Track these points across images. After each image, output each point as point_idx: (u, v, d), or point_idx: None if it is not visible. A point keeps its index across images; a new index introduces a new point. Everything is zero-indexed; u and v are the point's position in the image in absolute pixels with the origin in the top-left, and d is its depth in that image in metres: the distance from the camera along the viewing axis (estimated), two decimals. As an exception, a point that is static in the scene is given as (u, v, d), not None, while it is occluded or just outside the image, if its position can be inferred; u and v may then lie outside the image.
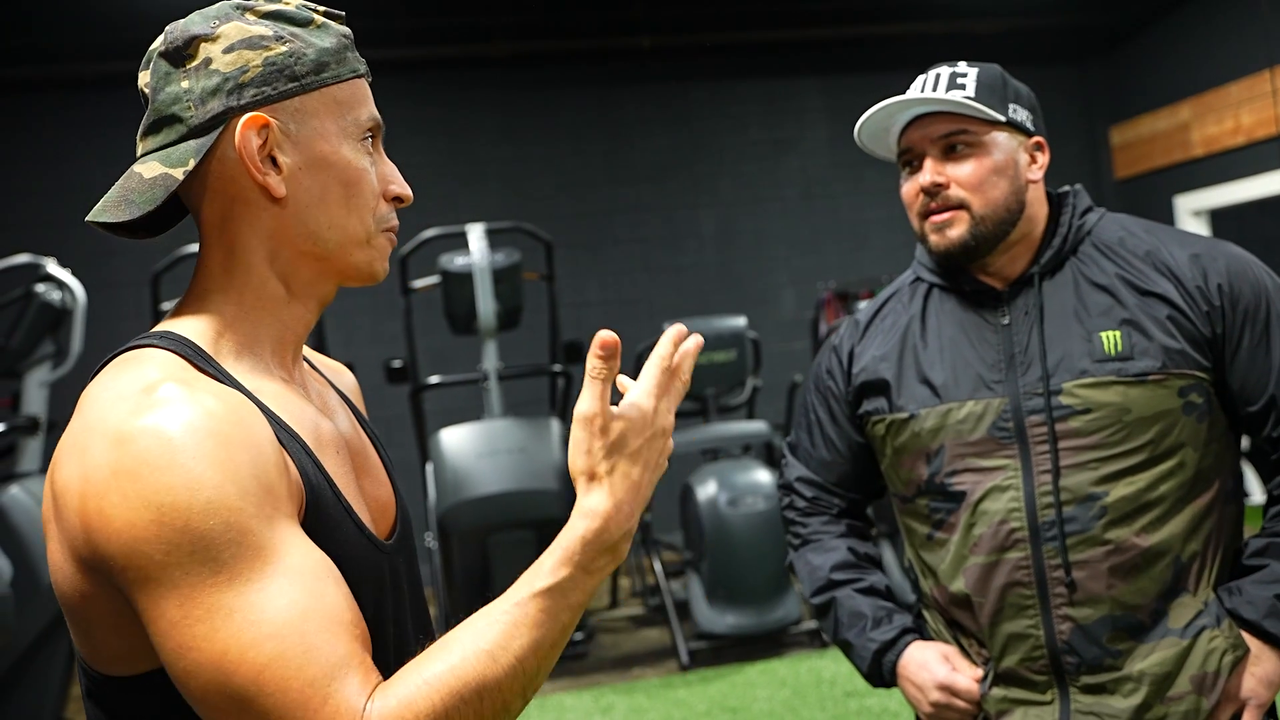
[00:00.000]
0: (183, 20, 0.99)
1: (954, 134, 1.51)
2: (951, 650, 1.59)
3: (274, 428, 0.92)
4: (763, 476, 4.87)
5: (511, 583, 0.92)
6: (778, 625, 4.74)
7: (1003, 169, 1.51)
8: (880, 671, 1.63)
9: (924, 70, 1.58)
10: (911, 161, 1.55)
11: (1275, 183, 6.45)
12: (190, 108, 0.96)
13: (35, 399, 4.45)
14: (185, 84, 0.96)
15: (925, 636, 1.63)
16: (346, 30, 1.03)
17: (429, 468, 5.04)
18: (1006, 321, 1.54)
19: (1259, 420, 1.48)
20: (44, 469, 4.44)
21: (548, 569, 0.89)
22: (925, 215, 1.54)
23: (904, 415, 1.56)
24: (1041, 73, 7.80)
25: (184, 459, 0.83)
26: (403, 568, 1.06)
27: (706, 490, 4.82)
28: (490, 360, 5.16)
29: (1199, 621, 1.45)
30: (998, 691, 1.53)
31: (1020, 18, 7.24)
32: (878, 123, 1.56)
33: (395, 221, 1.06)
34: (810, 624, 4.91)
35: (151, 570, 0.82)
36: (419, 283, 5.39)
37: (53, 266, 4.49)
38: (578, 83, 7.21)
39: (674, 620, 4.86)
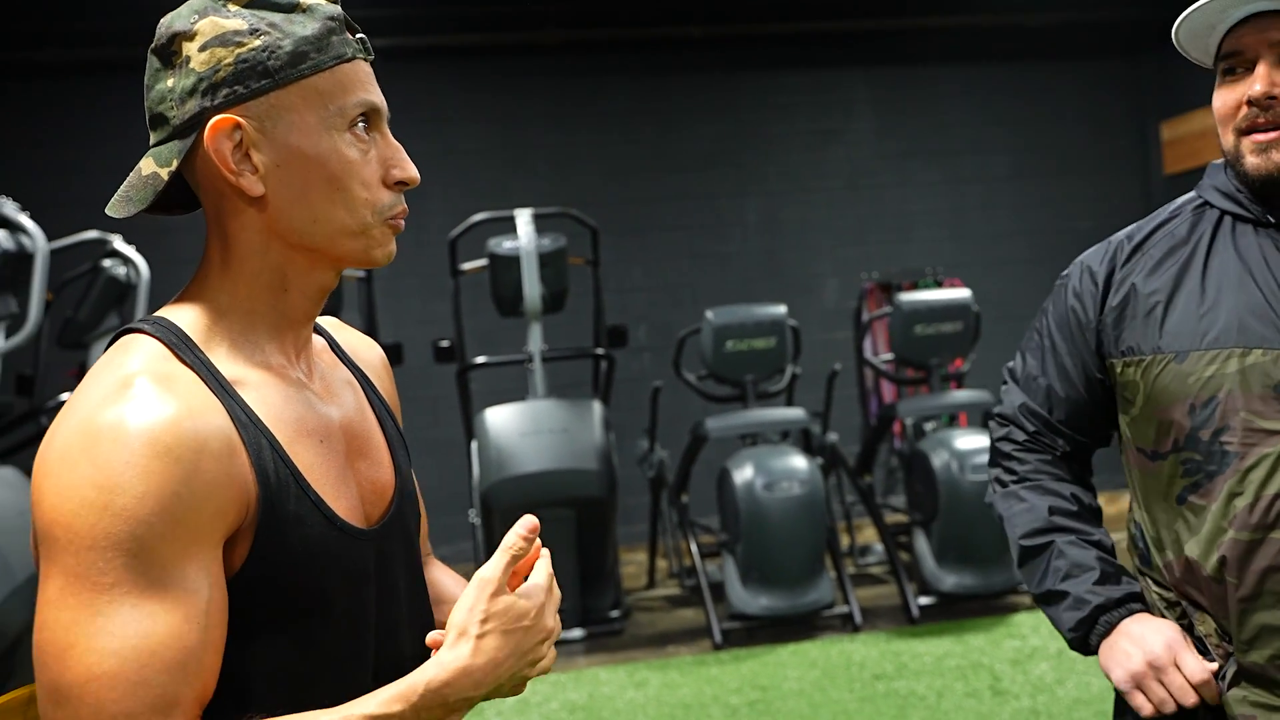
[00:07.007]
0: (170, 15, 0.98)
1: None
2: (1184, 636, 1.39)
3: (237, 428, 0.93)
4: (799, 462, 4.95)
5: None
6: (810, 608, 4.83)
7: None
8: (1092, 629, 1.43)
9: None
10: (1235, 68, 1.35)
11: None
12: (173, 107, 0.96)
13: (99, 370, 4.64)
14: (170, 82, 0.96)
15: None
16: (334, 10, 0.99)
17: (474, 446, 5.19)
18: None
19: None
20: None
21: (383, 699, 0.90)
22: (1245, 131, 1.33)
23: (1169, 356, 1.36)
24: (1092, 67, 7.79)
25: (120, 462, 0.86)
26: (397, 549, 1.07)
27: (744, 474, 4.91)
28: (535, 342, 5.29)
29: None
30: (1236, 692, 1.33)
31: (1071, 11, 7.22)
32: (1203, 17, 1.35)
33: (401, 207, 1.01)
34: (841, 608, 5.00)
35: (54, 551, 0.86)
36: (467, 265, 5.53)
37: (119, 243, 4.67)
38: (627, 71, 7.30)
39: (709, 601, 4.96)
